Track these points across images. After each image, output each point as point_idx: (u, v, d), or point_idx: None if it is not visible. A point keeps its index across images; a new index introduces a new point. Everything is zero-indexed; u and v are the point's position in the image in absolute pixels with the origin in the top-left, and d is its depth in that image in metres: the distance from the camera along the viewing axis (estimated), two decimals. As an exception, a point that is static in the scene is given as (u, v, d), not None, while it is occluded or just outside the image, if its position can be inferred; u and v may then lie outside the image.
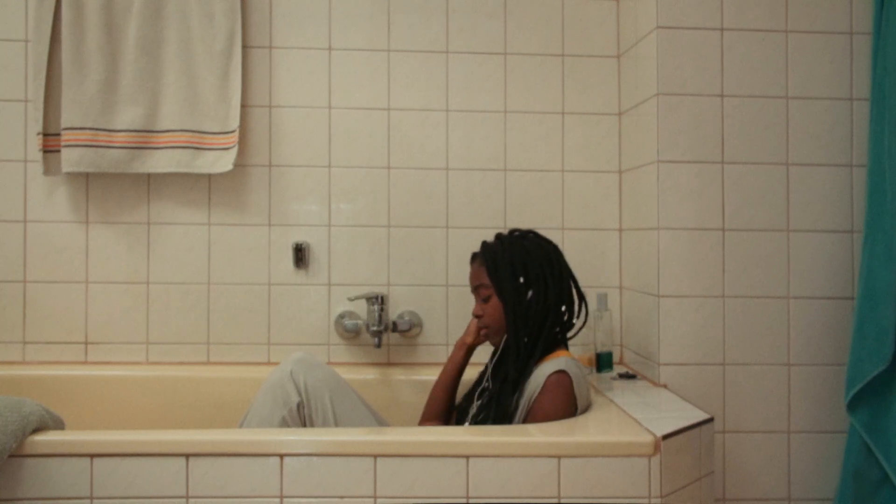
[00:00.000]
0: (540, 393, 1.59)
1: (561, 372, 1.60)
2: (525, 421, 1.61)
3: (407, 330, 2.20)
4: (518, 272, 1.68)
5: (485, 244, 1.77)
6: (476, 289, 1.75)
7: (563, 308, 1.71)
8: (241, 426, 1.68)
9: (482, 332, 1.77)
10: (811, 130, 1.96)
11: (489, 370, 1.77)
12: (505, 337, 1.71)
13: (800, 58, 1.96)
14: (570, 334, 1.76)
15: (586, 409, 1.65)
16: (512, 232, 1.77)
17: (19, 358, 2.17)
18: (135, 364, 2.18)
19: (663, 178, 1.94)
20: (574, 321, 1.75)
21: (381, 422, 1.78)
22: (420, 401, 1.96)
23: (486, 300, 1.72)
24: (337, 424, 1.67)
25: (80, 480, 1.38)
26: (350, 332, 2.19)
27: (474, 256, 1.79)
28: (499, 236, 1.77)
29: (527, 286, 1.67)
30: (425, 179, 2.24)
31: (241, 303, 2.21)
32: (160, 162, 2.12)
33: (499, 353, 1.76)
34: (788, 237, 1.95)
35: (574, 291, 1.74)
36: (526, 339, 1.67)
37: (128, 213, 2.19)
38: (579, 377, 1.62)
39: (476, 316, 1.76)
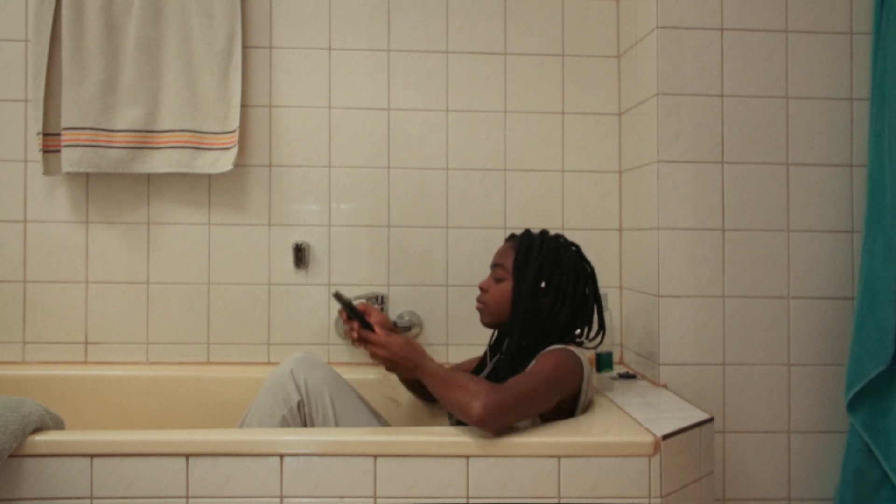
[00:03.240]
0: (534, 361, 1.57)
1: (561, 348, 1.59)
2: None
3: (407, 330, 2.20)
4: (543, 275, 1.64)
5: (526, 233, 1.72)
6: (495, 266, 1.71)
7: (577, 330, 1.69)
8: (241, 426, 1.68)
9: (478, 306, 1.74)
10: (811, 130, 1.96)
11: (488, 357, 1.77)
12: (502, 322, 1.71)
13: (800, 58, 1.96)
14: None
15: (588, 405, 1.65)
16: (557, 237, 1.71)
17: (19, 358, 2.17)
18: (135, 364, 2.18)
19: (663, 178, 1.94)
20: (586, 341, 1.72)
21: (381, 422, 1.77)
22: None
23: (498, 280, 1.69)
24: (337, 424, 1.66)
25: (80, 480, 1.38)
26: (350, 332, 2.19)
27: (511, 237, 1.75)
28: (543, 234, 1.71)
29: (545, 293, 1.64)
30: (425, 179, 2.24)
31: (241, 303, 2.21)
32: (160, 162, 2.12)
33: (494, 338, 1.77)
34: (788, 237, 1.95)
35: (595, 319, 1.71)
36: (524, 345, 1.64)
37: (128, 213, 2.19)
38: (583, 360, 1.60)
39: (481, 289, 1.73)
